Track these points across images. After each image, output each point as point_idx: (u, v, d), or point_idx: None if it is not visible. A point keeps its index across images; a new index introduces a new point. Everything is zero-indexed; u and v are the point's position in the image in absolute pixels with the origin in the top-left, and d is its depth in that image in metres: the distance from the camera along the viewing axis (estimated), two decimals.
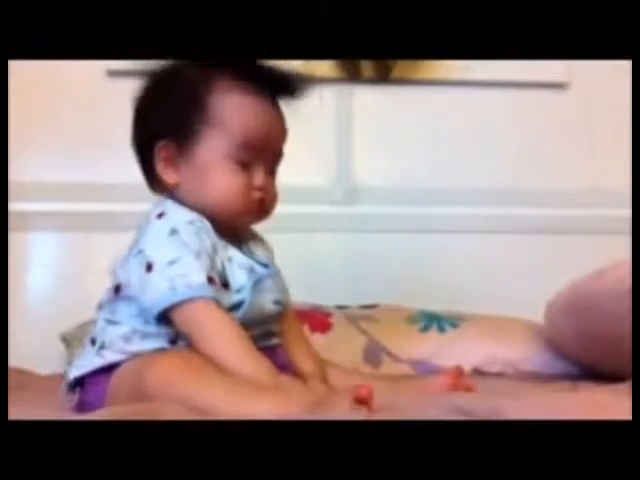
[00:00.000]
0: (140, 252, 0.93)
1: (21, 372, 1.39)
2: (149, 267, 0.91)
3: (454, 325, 1.52)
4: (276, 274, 1.03)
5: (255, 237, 1.07)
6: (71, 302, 1.71)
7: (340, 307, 1.57)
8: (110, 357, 0.93)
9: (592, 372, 1.25)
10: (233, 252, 0.98)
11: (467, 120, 1.85)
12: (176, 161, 0.99)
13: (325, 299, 1.56)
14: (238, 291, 0.95)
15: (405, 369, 1.44)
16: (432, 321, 1.53)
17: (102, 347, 0.94)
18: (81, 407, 0.94)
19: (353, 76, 1.80)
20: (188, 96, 0.98)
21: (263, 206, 1.00)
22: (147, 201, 1.78)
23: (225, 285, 0.94)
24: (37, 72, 1.69)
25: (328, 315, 1.50)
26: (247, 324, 0.92)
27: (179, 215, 0.96)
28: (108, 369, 0.92)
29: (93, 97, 1.78)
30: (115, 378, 0.90)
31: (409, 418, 0.64)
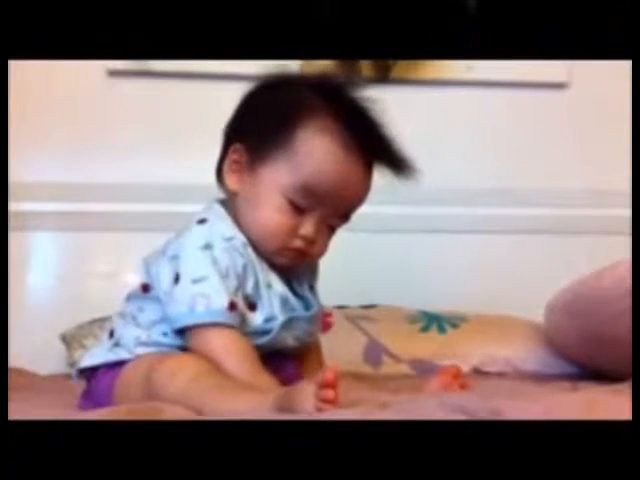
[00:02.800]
0: (174, 259, 0.91)
1: (21, 372, 1.39)
2: (177, 279, 0.89)
3: (454, 325, 1.52)
4: (315, 316, 0.99)
5: (313, 271, 1.03)
6: (71, 302, 1.71)
7: (340, 307, 1.57)
8: (122, 355, 0.93)
9: (592, 372, 1.25)
10: (274, 279, 0.94)
11: (467, 120, 1.85)
12: (242, 169, 0.95)
13: (325, 299, 1.56)
14: (267, 320, 0.92)
15: (405, 369, 1.44)
16: (432, 321, 1.53)
17: (117, 344, 0.94)
18: (87, 397, 0.96)
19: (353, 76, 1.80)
20: (282, 116, 0.92)
21: (302, 255, 0.94)
22: (147, 201, 1.79)
23: (252, 307, 0.92)
24: (37, 72, 1.70)
25: (328, 315, 1.50)
26: (260, 346, 0.91)
27: (219, 228, 0.92)
28: (118, 364, 0.93)
29: (93, 97, 1.78)
30: (124, 373, 0.91)
31: (409, 418, 0.64)
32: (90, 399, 0.95)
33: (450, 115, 1.84)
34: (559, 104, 1.88)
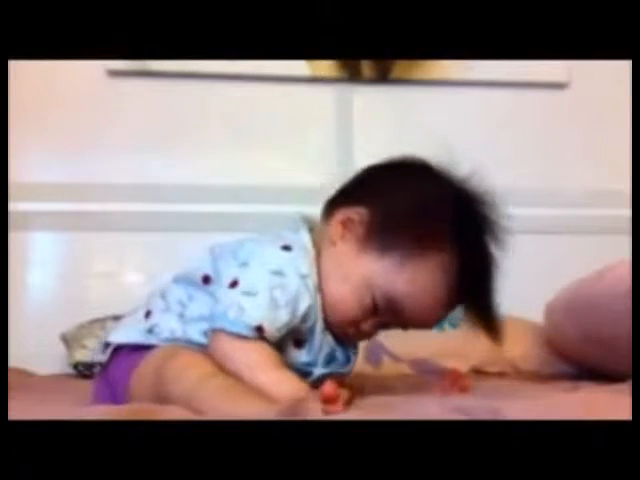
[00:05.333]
0: (242, 265, 0.90)
1: (21, 372, 1.40)
2: (234, 284, 0.87)
3: (454, 325, 1.52)
4: (347, 373, 0.98)
5: None
6: (71, 302, 1.71)
7: None
8: (152, 341, 0.91)
9: (592, 372, 1.25)
10: (327, 331, 0.93)
11: (467, 120, 1.85)
12: (352, 231, 0.92)
13: None
14: (310, 364, 0.91)
15: (405, 369, 1.44)
16: None
17: (150, 331, 0.92)
18: (106, 377, 0.94)
19: (353, 76, 1.80)
20: (421, 228, 0.89)
21: (348, 337, 0.94)
22: (147, 201, 1.79)
23: (299, 343, 0.91)
24: (37, 72, 1.70)
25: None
26: None
27: (300, 262, 0.90)
28: (145, 347, 0.91)
29: (93, 97, 1.78)
30: (143, 364, 0.89)
31: (409, 418, 0.64)
32: (106, 383, 0.93)
33: (450, 115, 1.84)
34: (559, 104, 1.88)
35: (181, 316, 0.93)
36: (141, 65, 1.74)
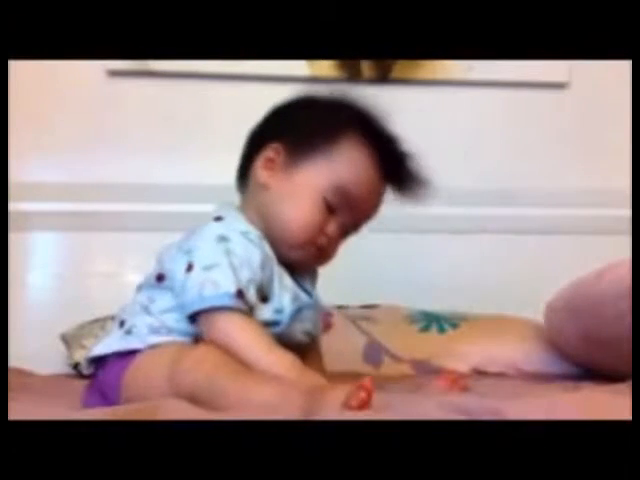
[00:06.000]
0: (188, 252, 0.94)
1: (21, 372, 1.39)
2: (189, 268, 0.92)
3: (454, 325, 1.52)
4: (315, 305, 1.04)
5: (313, 275, 1.08)
6: (71, 302, 1.71)
7: (340, 307, 1.57)
8: (133, 344, 0.94)
9: (592, 372, 1.25)
10: (284, 274, 0.99)
11: (467, 120, 1.85)
12: (277, 167, 1.00)
13: (325, 299, 1.56)
14: (278, 311, 0.96)
15: (405, 369, 1.44)
16: (432, 321, 1.53)
17: (129, 333, 0.95)
18: (93, 389, 0.97)
19: (353, 76, 1.80)
20: (327, 125, 1.01)
21: (319, 253, 1.01)
22: (147, 201, 1.79)
23: (264, 298, 0.95)
24: (37, 72, 1.70)
25: (328, 315, 1.50)
26: None
27: (235, 224, 0.97)
28: (129, 353, 0.93)
29: (93, 97, 1.78)
30: (138, 362, 0.92)
31: (409, 418, 0.64)
32: (96, 390, 0.95)
33: (450, 115, 1.84)
34: (559, 104, 1.88)
35: (150, 314, 0.96)
36: (141, 65, 1.74)
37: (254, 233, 0.97)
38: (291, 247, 0.99)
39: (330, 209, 0.99)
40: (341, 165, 0.99)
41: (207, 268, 0.91)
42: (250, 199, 1.03)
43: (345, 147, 1.00)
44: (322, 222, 0.99)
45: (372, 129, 1.02)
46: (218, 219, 0.98)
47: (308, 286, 1.04)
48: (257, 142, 1.04)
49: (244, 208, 1.03)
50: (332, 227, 1.00)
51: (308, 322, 1.01)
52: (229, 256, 0.92)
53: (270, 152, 1.01)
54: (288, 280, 0.99)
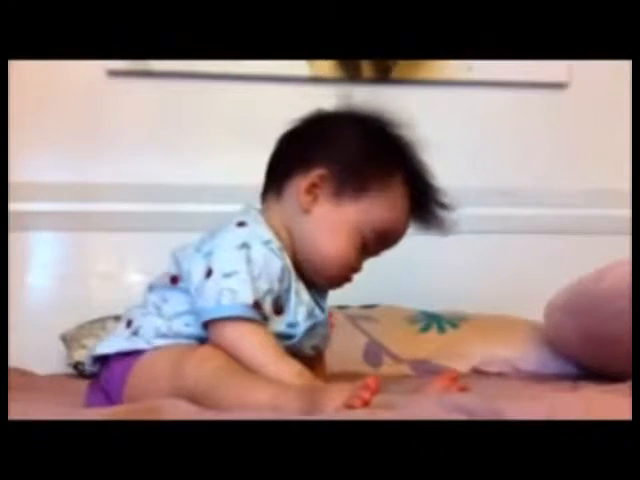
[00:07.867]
0: (208, 255, 0.93)
1: (21, 372, 1.40)
2: (209, 273, 0.91)
3: (454, 325, 1.52)
4: (325, 322, 1.03)
5: None
6: (71, 302, 1.71)
7: (340, 307, 1.57)
8: (139, 344, 0.93)
9: (592, 372, 1.25)
10: (301, 288, 0.98)
11: (467, 120, 1.85)
12: (321, 194, 0.98)
13: None
14: (291, 325, 0.95)
15: (405, 369, 1.44)
16: (432, 321, 1.53)
17: (135, 334, 0.95)
18: (96, 387, 0.96)
19: (353, 76, 1.80)
20: (376, 157, 1.00)
21: (345, 282, 1.03)
22: (147, 201, 1.79)
23: (279, 311, 0.94)
24: (37, 72, 1.70)
25: (329, 315, 1.50)
26: None
27: (259, 231, 0.95)
28: (133, 353, 0.93)
29: (93, 97, 1.78)
30: (143, 362, 0.91)
31: (409, 418, 0.64)
32: (99, 389, 0.95)
33: (450, 115, 1.83)
34: (559, 104, 1.88)
35: (161, 316, 0.95)
36: (141, 65, 1.74)
37: (276, 243, 0.95)
38: (323, 278, 1.00)
39: (364, 246, 1.00)
40: (385, 208, 0.99)
41: (227, 275, 0.90)
42: (279, 210, 1.01)
43: (392, 190, 0.99)
44: (355, 259, 1.00)
45: (418, 172, 1.02)
46: (241, 224, 0.96)
47: (324, 302, 1.03)
48: (301, 162, 1.00)
49: (269, 216, 1.00)
50: (361, 260, 1.01)
51: (318, 338, 1.01)
52: (249, 264, 0.91)
53: (316, 179, 0.98)
54: (306, 295, 0.98)
